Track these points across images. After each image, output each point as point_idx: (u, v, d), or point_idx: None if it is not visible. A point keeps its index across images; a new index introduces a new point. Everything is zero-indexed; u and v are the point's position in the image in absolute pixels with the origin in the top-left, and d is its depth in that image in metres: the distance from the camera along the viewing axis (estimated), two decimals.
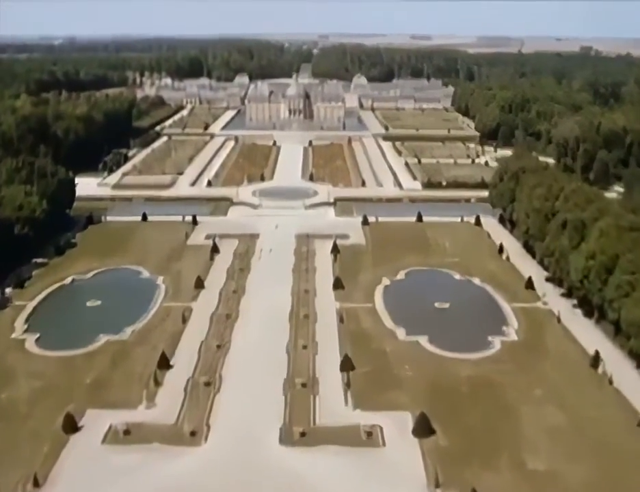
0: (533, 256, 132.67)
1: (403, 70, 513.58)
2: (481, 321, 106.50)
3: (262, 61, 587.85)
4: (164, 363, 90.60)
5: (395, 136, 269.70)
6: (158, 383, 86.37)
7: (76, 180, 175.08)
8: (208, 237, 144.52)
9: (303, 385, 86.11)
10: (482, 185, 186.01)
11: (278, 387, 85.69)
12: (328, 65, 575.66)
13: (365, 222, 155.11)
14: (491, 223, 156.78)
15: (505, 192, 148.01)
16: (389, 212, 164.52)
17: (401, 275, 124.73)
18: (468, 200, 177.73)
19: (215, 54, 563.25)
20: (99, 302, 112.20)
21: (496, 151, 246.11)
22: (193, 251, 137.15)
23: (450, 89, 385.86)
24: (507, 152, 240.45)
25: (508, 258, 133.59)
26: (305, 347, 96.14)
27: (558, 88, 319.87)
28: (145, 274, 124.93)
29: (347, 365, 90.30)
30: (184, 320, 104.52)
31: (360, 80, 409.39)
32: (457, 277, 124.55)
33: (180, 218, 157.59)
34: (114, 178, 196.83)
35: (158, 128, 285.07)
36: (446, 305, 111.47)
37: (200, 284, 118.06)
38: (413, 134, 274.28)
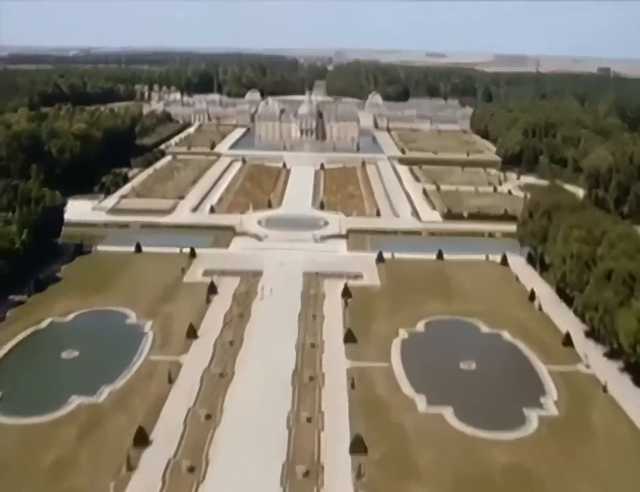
0: (569, 305, 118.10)
1: (419, 89, 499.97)
2: (514, 388, 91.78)
3: (275, 77, 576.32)
4: (141, 439, 76.33)
5: (412, 159, 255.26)
6: (131, 468, 71.91)
7: (70, 202, 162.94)
8: (206, 273, 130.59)
9: (306, 474, 71.56)
10: (506, 217, 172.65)
11: (275, 477, 71.19)
12: (342, 83, 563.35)
13: (380, 259, 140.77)
14: (519, 263, 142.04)
15: (537, 230, 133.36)
16: (406, 247, 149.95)
17: (420, 326, 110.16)
18: (492, 235, 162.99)
19: (227, 68, 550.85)
20: (76, 353, 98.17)
21: (519, 178, 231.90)
22: (188, 290, 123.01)
23: (468, 109, 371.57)
24: (531, 180, 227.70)
25: (540, 307, 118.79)
26: (309, 420, 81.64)
27: (583, 111, 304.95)
28: (132, 318, 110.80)
29: (358, 447, 75.82)
30: (171, 380, 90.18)
31: (375, 98, 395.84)
32: (484, 329, 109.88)
33: (177, 250, 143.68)
34: (110, 201, 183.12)
35: (163, 146, 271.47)
36: (473, 366, 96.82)
37: (192, 333, 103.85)
38: (431, 158, 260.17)
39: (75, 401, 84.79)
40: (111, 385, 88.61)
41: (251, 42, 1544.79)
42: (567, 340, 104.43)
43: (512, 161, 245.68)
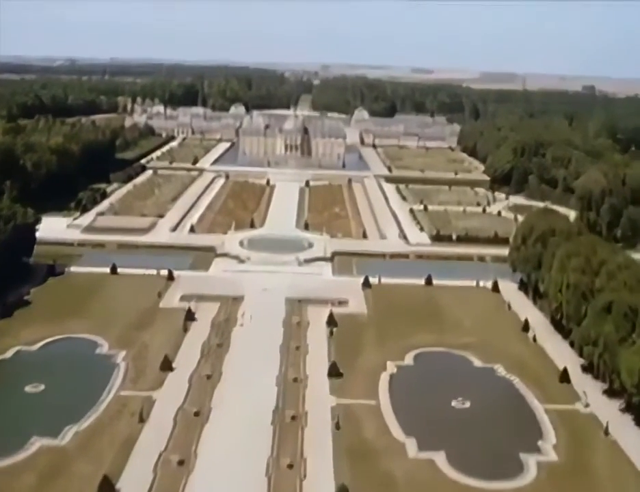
0: (564, 336, 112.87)
1: (405, 105, 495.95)
2: (509, 430, 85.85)
3: (260, 90, 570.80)
4: (107, 489, 69.62)
5: (399, 178, 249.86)
6: None
7: (44, 219, 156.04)
8: (184, 298, 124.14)
9: None
10: (496, 240, 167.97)
11: None
12: (329, 98, 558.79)
13: (366, 284, 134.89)
14: (510, 290, 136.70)
15: (530, 256, 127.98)
16: (394, 271, 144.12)
17: (409, 359, 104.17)
18: (482, 258, 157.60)
19: (212, 82, 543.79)
20: (42, 386, 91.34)
21: (507, 198, 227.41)
22: (164, 317, 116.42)
23: (456, 126, 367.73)
24: (520, 200, 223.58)
25: (535, 339, 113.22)
26: (290, 466, 75.30)
27: (572, 131, 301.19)
28: (104, 347, 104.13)
29: None
30: (142, 419, 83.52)
31: (361, 114, 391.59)
32: (477, 363, 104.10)
33: (154, 271, 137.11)
34: (87, 218, 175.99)
35: (144, 160, 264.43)
36: (466, 405, 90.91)
37: (167, 365, 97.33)
38: (418, 176, 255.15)
39: (36, 443, 78.04)
40: (77, 425, 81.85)
41: (238, 55, 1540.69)
42: (564, 376, 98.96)
43: (501, 181, 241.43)
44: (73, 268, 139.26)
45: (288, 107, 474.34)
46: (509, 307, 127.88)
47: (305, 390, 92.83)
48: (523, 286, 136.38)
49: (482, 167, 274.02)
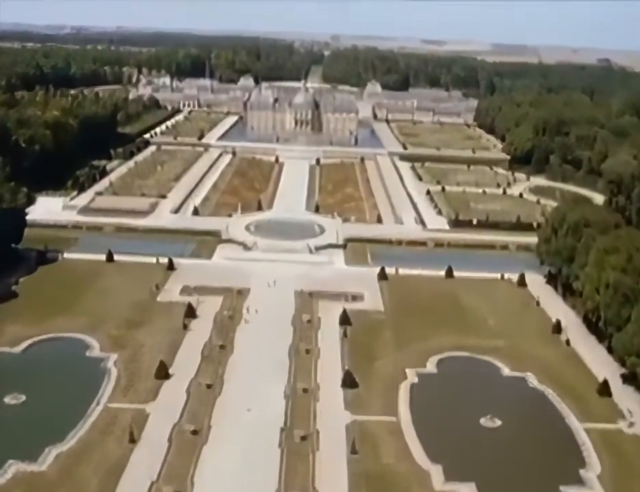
0: (599, 338, 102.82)
1: (419, 78, 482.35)
2: (547, 456, 75.81)
3: (269, 61, 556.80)
4: None
5: (414, 156, 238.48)
6: None
7: (39, 200, 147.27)
8: (184, 291, 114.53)
9: None
10: (519, 226, 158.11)
11: None
12: (339, 70, 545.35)
13: (382, 275, 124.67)
14: (538, 283, 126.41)
15: (562, 249, 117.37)
16: (411, 260, 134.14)
17: (431, 366, 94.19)
18: (505, 247, 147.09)
19: (219, 53, 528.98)
20: (23, 397, 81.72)
21: (528, 179, 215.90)
22: (162, 312, 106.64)
23: (472, 101, 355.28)
24: (542, 181, 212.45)
25: (568, 342, 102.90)
26: None
27: (594, 107, 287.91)
28: (95, 349, 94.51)
29: None
30: (133, 439, 73.82)
31: (373, 87, 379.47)
32: (506, 371, 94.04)
33: (153, 259, 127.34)
34: (84, 198, 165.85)
35: (147, 135, 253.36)
36: (496, 423, 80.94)
37: (163, 372, 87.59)
38: (434, 154, 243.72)
39: (12, 467, 68.52)
40: (60, 445, 72.25)
41: (244, 25, 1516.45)
42: (604, 388, 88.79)
43: (521, 160, 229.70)
44: (66, 255, 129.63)
45: (298, 79, 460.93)
46: (538, 303, 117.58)
47: (317, 404, 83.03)
48: (551, 280, 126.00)
49: (500, 145, 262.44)
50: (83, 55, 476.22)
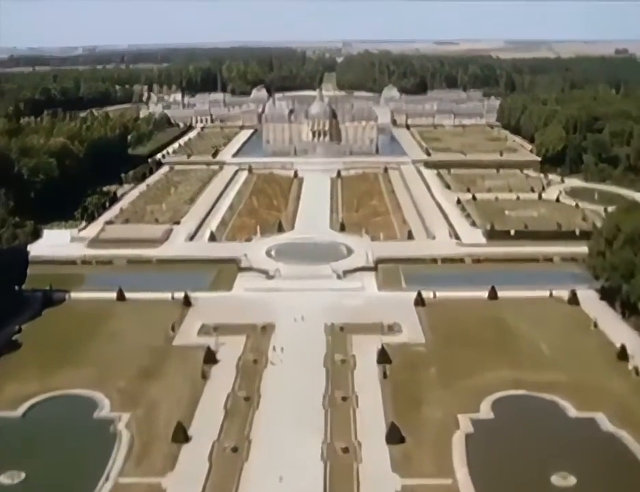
0: None
1: (436, 80, 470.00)
2: None
3: (282, 71, 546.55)
4: None
5: (439, 162, 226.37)
6: None
7: (46, 233, 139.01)
8: (203, 331, 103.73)
9: None
10: (561, 234, 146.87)
11: None
12: (354, 75, 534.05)
13: (420, 301, 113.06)
14: (591, 301, 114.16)
15: (619, 264, 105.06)
16: (449, 280, 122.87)
17: (486, 409, 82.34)
18: (549, 259, 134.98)
19: (231, 65, 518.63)
20: (22, 475, 70.93)
21: (563, 181, 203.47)
22: (179, 360, 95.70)
23: (493, 101, 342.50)
24: (577, 182, 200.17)
25: (637, 370, 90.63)
26: None
27: (624, 101, 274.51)
28: (105, 408, 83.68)
29: None
30: None
31: (390, 92, 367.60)
32: (572, 412, 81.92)
33: (168, 295, 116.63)
34: (93, 229, 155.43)
35: (159, 155, 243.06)
36: (571, 481, 69.00)
37: (181, 434, 76.50)
38: (460, 159, 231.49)
39: None
40: None
41: (253, 36, 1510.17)
42: None
43: (553, 161, 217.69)
44: (74, 294, 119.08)
45: (311, 87, 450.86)
46: (595, 324, 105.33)
47: (360, 466, 71.50)
48: (606, 296, 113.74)
49: (528, 146, 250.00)
50: (92, 75, 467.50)
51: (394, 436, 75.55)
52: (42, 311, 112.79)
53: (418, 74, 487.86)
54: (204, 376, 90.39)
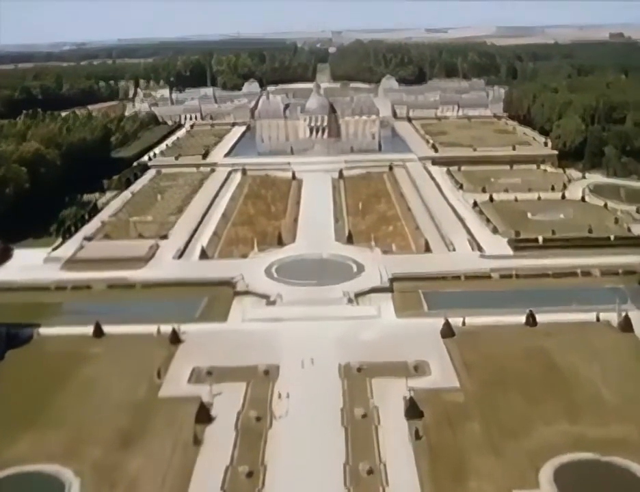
0: None
1: (434, 69, 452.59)
2: None
3: (274, 63, 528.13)
4: None
5: (447, 159, 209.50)
6: None
7: (17, 253, 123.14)
8: (194, 377, 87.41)
9: None
10: (595, 241, 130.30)
11: None
12: (349, 66, 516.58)
13: (448, 331, 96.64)
14: None
15: None
16: (476, 302, 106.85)
17: (547, 483, 66.01)
18: (586, 272, 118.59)
19: (220, 57, 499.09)
20: None
21: (584, 176, 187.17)
22: (166, 418, 78.91)
23: (497, 90, 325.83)
24: (599, 178, 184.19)
25: None
26: None
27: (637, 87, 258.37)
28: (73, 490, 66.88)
29: None
30: None
31: (389, 82, 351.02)
32: None
33: (153, 328, 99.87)
34: (70, 247, 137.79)
35: (146, 157, 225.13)
36: None
37: None
38: (470, 155, 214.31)
39: None
40: None
41: (245, 27, 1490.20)
42: None
43: (571, 155, 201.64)
44: (43, 330, 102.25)
45: (305, 79, 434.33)
46: None
47: None
48: None
49: (541, 139, 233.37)
50: (75, 71, 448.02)
51: None
52: (5, 353, 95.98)
53: (415, 63, 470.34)
54: (197, 442, 73.74)
